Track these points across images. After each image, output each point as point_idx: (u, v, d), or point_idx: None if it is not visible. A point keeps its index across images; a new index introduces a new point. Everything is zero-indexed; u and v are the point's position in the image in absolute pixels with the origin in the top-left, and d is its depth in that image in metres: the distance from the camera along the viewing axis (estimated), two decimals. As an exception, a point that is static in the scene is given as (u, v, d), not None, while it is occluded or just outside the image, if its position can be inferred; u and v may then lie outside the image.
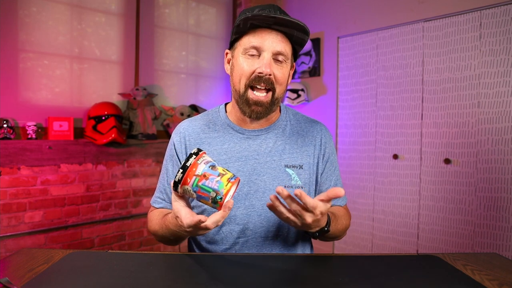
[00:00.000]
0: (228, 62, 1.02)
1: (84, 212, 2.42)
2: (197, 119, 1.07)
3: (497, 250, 2.13)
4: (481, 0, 2.17)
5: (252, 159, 0.98)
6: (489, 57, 2.16)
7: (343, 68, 2.92)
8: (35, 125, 2.22)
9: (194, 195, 0.74)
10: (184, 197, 0.79)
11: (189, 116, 2.84)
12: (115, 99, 2.67)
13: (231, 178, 0.74)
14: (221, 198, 0.72)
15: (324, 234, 0.87)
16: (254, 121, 1.00)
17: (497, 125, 2.14)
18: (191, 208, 0.80)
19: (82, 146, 2.38)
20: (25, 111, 2.28)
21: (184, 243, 1.11)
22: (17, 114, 2.25)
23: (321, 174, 1.03)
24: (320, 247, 2.95)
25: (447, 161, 2.33)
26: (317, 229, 0.84)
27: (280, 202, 0.78)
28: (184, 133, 1.03)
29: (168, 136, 2.85)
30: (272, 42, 0.91)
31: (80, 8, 2.51)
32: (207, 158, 0.76)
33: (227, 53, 1.02)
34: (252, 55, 0.92)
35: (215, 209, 0.76)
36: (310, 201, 0.74)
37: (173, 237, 0.91)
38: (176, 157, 1.02)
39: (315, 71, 3.11)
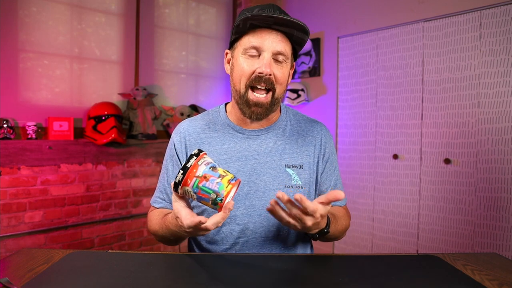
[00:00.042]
0: (228, 62, 1.01)
1: (84, 212, 2.42)
2: (197, 119, 1.07)
3: (497, 250, 2.13)
4: (481, 0, 2.17)
5: (252, 159, 0.98)
6: (489, 57, 2.16)
7: (343, 68, 2.92)
8: (35, 125, 2.22)
9: (195, 196, 0.74)
10: (185, 197, 0.79)
11: (189, 116, 2.84)
12: (115, 99, 2.67)
13: (232, 180, 0.74)
14: (221, 200, 0.72)
15: (324, 235, 0.87)
16: (254, 121, 1.00)
17: (497, 125, 2.14)
18: (191, 208, 0.80)
19: (82, 146, 2.38)
20: (25, 111, 2.28)
21: (184, 243, 1.11)
22: (17, 114, 2.25)
23: (321, 174, 1.03)
24: (320, 247, 2.95)
25: (447, 161, 2.33)
26: (317, 230, 0.84)
27: (280, 207, 0.78)
28: (184, 133, 1.03)
29: (168, 136, 2.85)
30: (272, 42, 0.91)
31: (80, 8, 2.51)
32: (207, 159, 0.76)
33: (227, 53, 1.02)
34: (252, 55, 0.92)
35: (215, 210, 0.76)
36: (310, 205, 0.74)
37: (173, 237, 0.91)
38: (176, 157, 1.02)
39: (315, 71, 3.11)
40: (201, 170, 0.73)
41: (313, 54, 3.12)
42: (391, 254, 0.91)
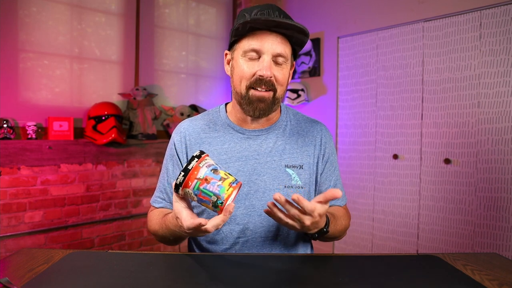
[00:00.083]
0: (228, 63, 1.01)
1: (84, 212, 2.42)
2: (197, 119, 1.07)
3: (497, 250, 2.13)
4: (481, 0, 2.17)
5: (252, 159, 0.98)
6: (489, 57, 2.16)
7: (343, 68, 2.92)
8: (35, 125, 2.22)
9: (195, 198, 0.74)
10: (185, 198, 0.79)
11: (189, 116, 2.84)
12: (115, 99, 2.67)
13: (233, 183, 0.74)
14: (222, 203, 0.72)
15: (323, 235, 0.87)
16: (255, 121, 1.00)
17: (497, 125, 2.14)
18: (192, 209, 0.80)
19: (82, 146, 2.38)
20: (25, 111, 2.28)
21: (184, 243, 1.11)
22: (17, 114, 2.25)
23: (321, 174, 1.03)
24: (320, 247, 2.95)
25: (447, 161, 2.33)
26: (316, 230, 0.84)
27: (278, 208, 0.78)
28: (184, 133, 1.03)
29: (168, 136, 2.85)
30: (271, 45, 0.91)
31: (80, 8, 2.51)
32: (209, 161, 0.76)
33: (226, 54, 1.02)
34: (252, 58, 0.92)
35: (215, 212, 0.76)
36: (308, 204, 0.74)
37: (173, 237, 0.91)
38: (177, 157, 1.02)
39: (315, 71, 3.11)
40: (202, 172, 0.73)
41: (313, 54, 3.12)
42: (391, 254, 0.91)
